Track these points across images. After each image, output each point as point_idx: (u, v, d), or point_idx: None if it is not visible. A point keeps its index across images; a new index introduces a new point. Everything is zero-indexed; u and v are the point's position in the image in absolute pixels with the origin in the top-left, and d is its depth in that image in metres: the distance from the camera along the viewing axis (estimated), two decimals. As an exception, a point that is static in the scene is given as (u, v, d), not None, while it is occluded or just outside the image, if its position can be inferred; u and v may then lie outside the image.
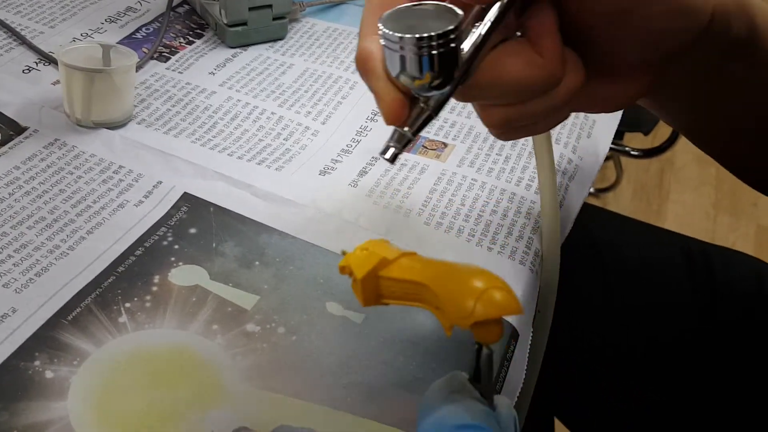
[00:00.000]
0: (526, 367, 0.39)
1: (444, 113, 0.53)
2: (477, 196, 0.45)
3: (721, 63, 0.32)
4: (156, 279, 0.38)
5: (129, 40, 0.56)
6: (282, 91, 0.53)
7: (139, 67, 0.52)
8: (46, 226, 0.40)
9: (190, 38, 0.58)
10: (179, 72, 0.53)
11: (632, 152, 1.22)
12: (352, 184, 0.45)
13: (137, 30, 0.57)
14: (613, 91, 0.31)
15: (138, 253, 0.40)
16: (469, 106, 0.54)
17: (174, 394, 0.34)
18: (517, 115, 0.30)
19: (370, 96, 0.57)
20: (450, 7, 0.27)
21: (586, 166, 0.51)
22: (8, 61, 0.52)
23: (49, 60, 0.52)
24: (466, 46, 0.27)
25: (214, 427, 0.33)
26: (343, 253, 0.32)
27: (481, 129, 0.51)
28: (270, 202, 0.43)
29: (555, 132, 0.51)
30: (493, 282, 0.29)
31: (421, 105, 0.28)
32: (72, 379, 0.33)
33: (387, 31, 0.26)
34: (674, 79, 0.33)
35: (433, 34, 0.26)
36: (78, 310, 0.36)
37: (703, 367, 0.58)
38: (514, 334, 0.38)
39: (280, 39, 0.58)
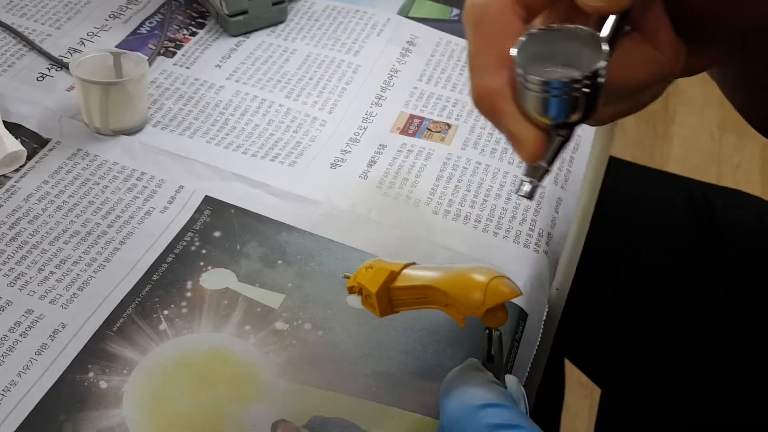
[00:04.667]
0: (539, 341, 0.42)
1: (445, 92, 0.55)
2: (481, 180, 0.48)
3: None
4: (189, 285, 0.41)
5: (134, 37, 0.57)
6: (287, 80, 0.55)
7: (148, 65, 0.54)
8: (81, 239, 0.43)
9: (193, 29, 0.59)
10: (186, 67, 0.55)
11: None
12: (362, 176, 0.48)
13: (141, 24, 0.59)
14: (698, 60, 0.31)
15: (169, 260, 0.43)
16: (470, 82, 0.55)
17: (217, 393, 0.37)
18: (628, 109, 0.29)
19: (374, 80, 0.58)
20: (588, 31, 0.25)
21: (589, 135, 0.53)
22: (22, 69, 0.54)
23: (61, 65, 0.54)
24: None
25: (255, 421, 0.37)
26: (345, 276, 0.35)
27: (483, 107, 0.53)
28: (286, 200, 0.46)
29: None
30: (492, 274, 0.33)
31: (555, 134, 0.26)
32: (124, 387, 0.37)
33: (530, 75, 0.25)
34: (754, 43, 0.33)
35: (582, 75, 0.24)
36: (121, 320, 0.40)
37: (704, 305, 0.61)
38: (522, 315, 0.41)
39: (281, 22, 0.60)
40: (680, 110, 1.79)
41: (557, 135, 0.26)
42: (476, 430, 0.29)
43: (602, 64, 0.24)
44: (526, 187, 0.27)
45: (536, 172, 0.27)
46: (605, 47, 0.25)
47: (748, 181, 1.63)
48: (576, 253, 0.44)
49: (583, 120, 0.26)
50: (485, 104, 0.27)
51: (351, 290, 0.36)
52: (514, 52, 0.25)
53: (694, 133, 1.73)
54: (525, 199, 0.30)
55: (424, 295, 0.34)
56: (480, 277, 0.33)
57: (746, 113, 0.43)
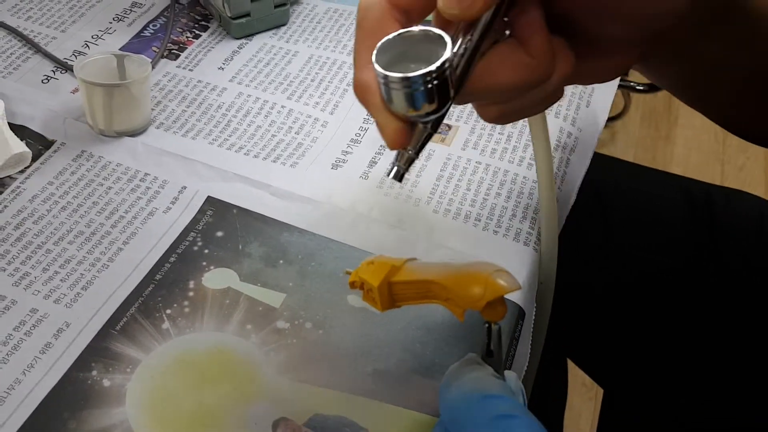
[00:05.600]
0: (531, 339, 0.43)
1: (446, 93, 0.55)
2: (482, 179, 0.48)
3: (698, 41, 0.34)
4: (191, 284, 0.42)
5: (138, 39, 0.58)
6: (289, 82, 0.55)
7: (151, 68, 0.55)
8: (85, 239, 0.44)
9: (197, 31, 0.59)
10: (189, 69, 0.56)
11: (638, 87, 1.22)
12: (363, 176, 0.48)
13: (145, 27, 0.59)
14: (602, 66, 0.33)
15: (172, 260, 0.43)
16: (471, 83, 0.56)
17: (218, 391, 0.38)
18: (512, 109, 0.31)
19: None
20: (437, 32, 0.28)
21: (586, 136, 0.53)
22: (27, 72, 0.54)
23: (66, 68, 0.54)
24: (458, 60, 0.28)
25: (256, 419, 0.37)
26: (347, 272, 0.36)
27: (483, 108, 0.53)
28: (288, 200, 0.46)
29: (555, 105, 0.53)
30: (491, 267, 0.33)
31: (420, 126, 0.29)
32: (127, 386, 0.37)
33: (381, 70, 0.27)
34: (659, 52, 0.34)
35: (425, 71, 0.27)
36: (125, 320, 0.40)
37: (707, 304, 0.61)
38: (521, 314, 0.42)
39: (283, 25, 0.60)
40: (683, 111, 1.79)
41: (423, 126, 0.29)
42: (476, 422, 0.30)
43: (442, 59, 0.26)
44: (394, 171, 0.30)
45: (403, 158, 0.29)
46: (448, 46, 0.27)
47: (752, 183, 1.63)
48: (554, 245, 0.44)
49: (436, 111, 0.28)
50: (359, 95, 0.29)
51: (353, 285, 0.36)
52: (375, 50, 0.28)
53: (697, 134, 1.73)
54: (397, 182, 0.33)
55: (424, 290, 0.34)
56: (480, 272, 0.33)
57: (706, 113, 0.43)
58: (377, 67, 0.28)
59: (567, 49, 0.30)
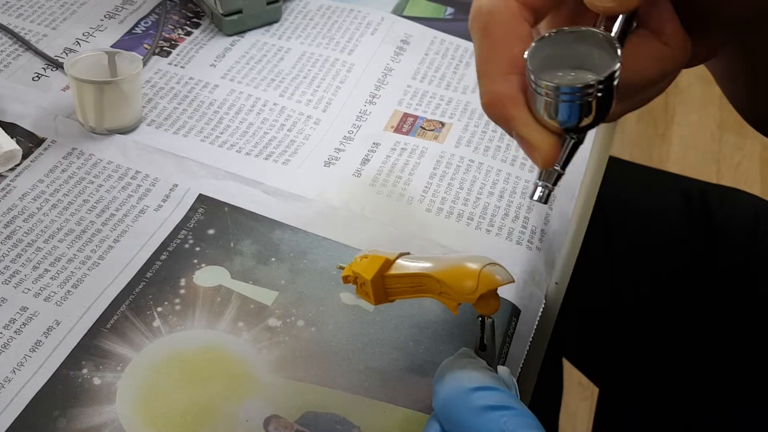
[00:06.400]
0: (531, 337, 0.42)
1: (439, 90, 0.55)
2: (474, 178, 0.48)
3: None
4: (182, 282, 0.42)
5: (130, 37, 0.58)
6: (281, 79, 0.55)
7: (142, 65, 0.54)
8: (76, 237, 0.43)
9: (188, 28, 0.59)
10: (181, 66, 0.55)
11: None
12: (356, 174, 0.48)
13: (136, 24, 0.59)
14: (698, 50, 0.30)
15: (163, 257, 0.43)
16: (465, 80, 0.56)
17: (210, 389, 0.37)
18: (636, 105, 0.29)
19: (368, 78, 0.58)
20: (598, 32, 0.25)
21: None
22: (18, 69, 0.54)
23: (57, 65, 0.54)
24: None
25: (247, 416, 0.37)
26: (340, 267, 0.36)
27: (476, 105, 0.53)
28: (280, 198, 0.46)
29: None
30: (485, 261, 0.33)
31: (567, 137, 0.26)
32: (117, 384, 0.37)
33: (544, 81, 0.24)
34: (744, 35, 0.33)
35: (597, 79, 0.24)
36: (115, 317, 0.40)
37: (702, 303, 0.61)
38: (515, 311, 0.42)
39: (276, 22, 0.60)
40: (680, 109, 1.79)
41: (570, 138, 0.26)
42: (468, 412, 0.30)
43: (617, 66, 0.24)
44: (540, 192, 0.27)
45: (551, 177, 0.26)
46: (619, 49, 0.24)
47: (748, 181, 1.63)
48: (575, 248, 0.44)
49: (597, 123, 0.25)
50: (496, 110, 0.26)
51: (346, 280, 0.36)
52: (527, 56, 0.25)
53: (693, 133, 1.73)
54: (539, 203, 0.29)
55: (418, 284, 0.34)
56: (473, 265, 0.33)
57: (741, 107, 0.43)
58: (536, 77, 0.24)
59: (687, 36, 0.28)
